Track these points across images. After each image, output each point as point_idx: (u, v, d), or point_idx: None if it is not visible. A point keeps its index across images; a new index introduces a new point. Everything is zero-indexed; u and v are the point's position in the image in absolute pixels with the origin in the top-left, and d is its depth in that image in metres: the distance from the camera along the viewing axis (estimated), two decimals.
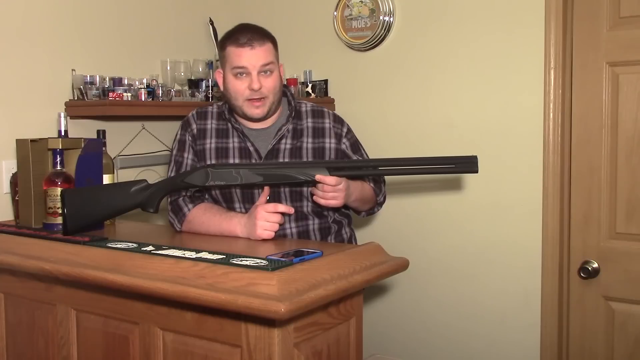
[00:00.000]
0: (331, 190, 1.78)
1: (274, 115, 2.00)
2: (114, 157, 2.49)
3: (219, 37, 2.91)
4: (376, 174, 2.02)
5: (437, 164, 1.78)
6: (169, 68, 2.76)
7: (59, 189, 1.95)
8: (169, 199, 1.97)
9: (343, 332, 1.64)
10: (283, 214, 1.80)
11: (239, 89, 1.90)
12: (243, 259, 1.52)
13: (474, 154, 1.72)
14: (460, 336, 2.68)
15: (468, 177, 2.61)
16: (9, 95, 2.27)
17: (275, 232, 1.78)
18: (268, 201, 1.93)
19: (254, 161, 1.95)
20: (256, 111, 1.91)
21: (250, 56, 1.87)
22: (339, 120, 2.05)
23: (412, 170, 1.82)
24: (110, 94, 2.32)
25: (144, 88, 2.43)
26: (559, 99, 2.39)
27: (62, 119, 2.12)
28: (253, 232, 1.77)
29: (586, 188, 2.37)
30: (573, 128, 2.39)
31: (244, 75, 1.89)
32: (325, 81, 2.95)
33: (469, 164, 1.72)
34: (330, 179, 1.76)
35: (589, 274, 2.36)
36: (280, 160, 1.95)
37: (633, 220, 2.29)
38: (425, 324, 2.76)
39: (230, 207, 1.97)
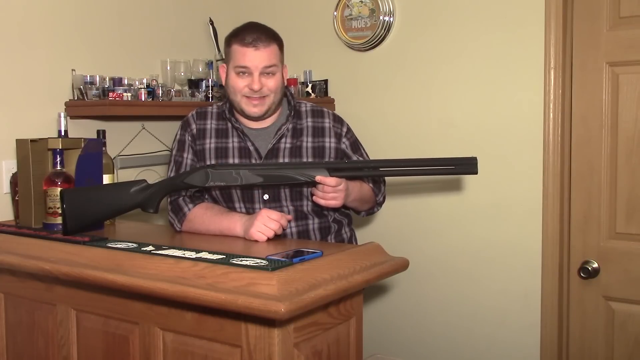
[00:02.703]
0: (331, 191, 1.78)
1: (274, 115, 2.00)
2: (114, 157, 2.49)
3: (220, 36, 2.94)
4: (376, 175, 2.02)
5: (436, 165, 1.79)
6: (169, 68, 2.76)
7: (59, 189, 1.95)
8: (169, 199, 1.97)
9: (343, 332, 1.64)
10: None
11: (238, 86, 1.91)
12: (243, 259, 1.52)
13: (474, 155, 1.72)
14: (460, 336, 2.68)
15: (468, 177, 2.61)
16: (9, 95, 2.26)
17: (269, 238, 1.77)
18: (270, 201, 1.93)
19: (254, 160, 1.95)
20: (253, 109, 1.92)
21: (254, 57, 1.87)
22: (338, 120, 2.06)
23: (411, 171, 1.83)
24: (110, 94, 2.32)
25: (144, 88, 2.43)
26: (559, 99, 2.39)
27: (62, 119, 2.13)
28: (248, 230, 1.77)
29: (586, 188, 2.37)
30: (573, 128, 2.39)
31: (246, 74, 1.89)
32: (325, 81, 2.95)
33: (468, 166, 1.72)
34: (331, 180, 1.76)
35: (589, 274, 2.36)
36: (280, 159, 1.95)
37: (633, 220, 2.29)
38: (425, 324, 2.76)
39: (230, 207, 1.97)
